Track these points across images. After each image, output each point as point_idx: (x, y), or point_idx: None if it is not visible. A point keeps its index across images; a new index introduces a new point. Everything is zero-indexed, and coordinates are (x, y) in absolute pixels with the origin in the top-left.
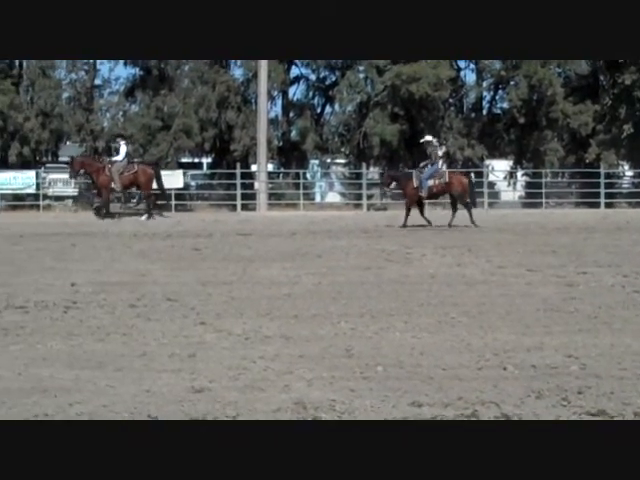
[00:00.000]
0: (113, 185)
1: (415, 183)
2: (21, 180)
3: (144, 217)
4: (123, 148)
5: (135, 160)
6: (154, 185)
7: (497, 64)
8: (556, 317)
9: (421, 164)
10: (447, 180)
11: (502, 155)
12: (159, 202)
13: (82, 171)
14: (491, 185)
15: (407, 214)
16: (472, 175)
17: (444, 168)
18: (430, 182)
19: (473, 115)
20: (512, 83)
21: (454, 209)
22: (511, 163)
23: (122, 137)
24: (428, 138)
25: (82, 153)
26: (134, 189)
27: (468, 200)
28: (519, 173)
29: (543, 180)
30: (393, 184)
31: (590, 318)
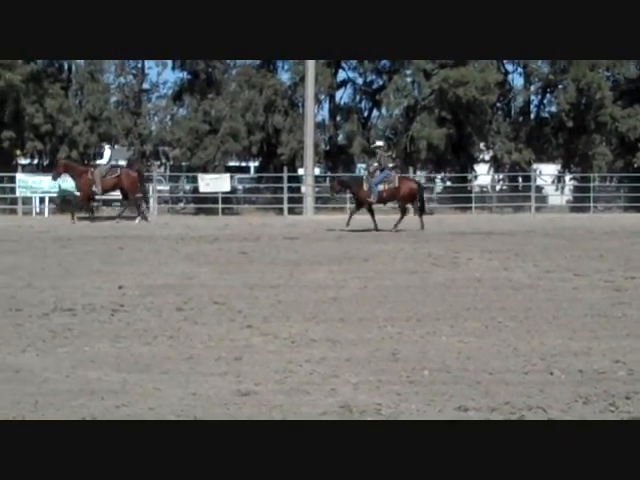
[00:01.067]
0: (94, 188)
1: (365, 187)
2: (69, 183)
3: (137, 220)
4: (107, 152)
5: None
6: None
7: (545, 68)
8: (603, 322)
9: (371, 169)
10: (397, 185)
11: (550, 159)
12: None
13: (65, 173)
14: (539, 189)
15: (351, 216)
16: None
17: (394, 173)
18: (380, 187)
19: (521, 119)
20: (560, 87)
21: (402, 213)
22: (559, 167)
23: (106, 142)
24: (379, 143)
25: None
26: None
27: (418, 205)
28: (567, 177)
29: (591, 184)
30: (342, 190)
31: (638, 323)
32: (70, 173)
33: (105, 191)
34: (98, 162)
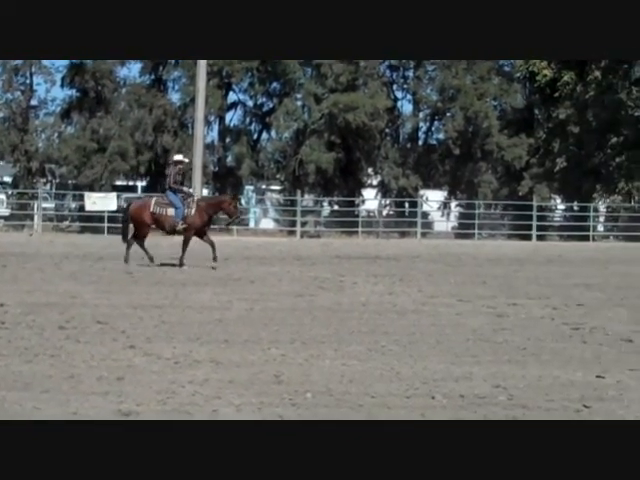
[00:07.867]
0: None
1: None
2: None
3: None
4: None
5: None
6: None
7: (434, 95)
8: (485, 347)
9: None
10: None
11: (436, 185)
12: None
13: None
14: (425, 215)
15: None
16: None
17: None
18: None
19: (409, 145)
20: (448, 114)
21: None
22: (445, 194)
23: None
24: (178, 157)
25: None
26: None
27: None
28: (453, 204)
29: (476, 211)
30: None
31: (519, 349)
32: None
33: None
34: None
